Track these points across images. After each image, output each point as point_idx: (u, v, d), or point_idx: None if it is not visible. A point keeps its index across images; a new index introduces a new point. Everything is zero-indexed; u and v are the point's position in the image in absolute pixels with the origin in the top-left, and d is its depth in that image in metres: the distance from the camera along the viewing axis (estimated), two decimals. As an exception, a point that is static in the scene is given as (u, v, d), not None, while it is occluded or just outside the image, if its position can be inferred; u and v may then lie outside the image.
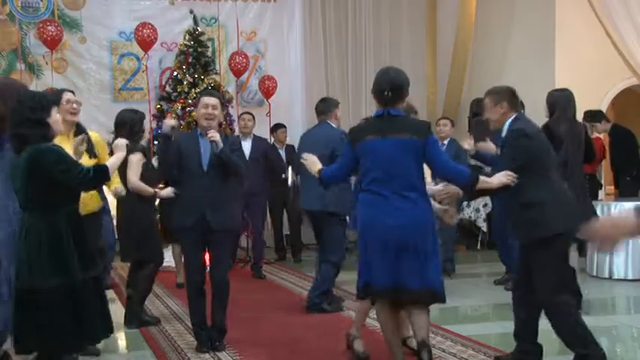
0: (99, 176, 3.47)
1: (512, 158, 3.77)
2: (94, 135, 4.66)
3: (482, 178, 3.66)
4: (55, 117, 3.43)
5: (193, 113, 7.96)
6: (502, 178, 3.68)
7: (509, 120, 3.94)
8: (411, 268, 3.56)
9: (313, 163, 4.03)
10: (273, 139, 8.43)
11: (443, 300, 3.68)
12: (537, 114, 6.62)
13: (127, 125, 4.88)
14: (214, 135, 4.32)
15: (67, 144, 4.20)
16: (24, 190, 3.34)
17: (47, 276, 3.27)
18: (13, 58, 8.62)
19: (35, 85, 8.61)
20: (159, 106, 8.42)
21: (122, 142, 3.98)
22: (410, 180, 3.60)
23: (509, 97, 3.97)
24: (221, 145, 4.35)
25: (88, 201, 4.37)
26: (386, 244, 3.58)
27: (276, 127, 8.52)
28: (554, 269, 3.77)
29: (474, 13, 9.23)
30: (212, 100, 4.45)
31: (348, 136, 3.84)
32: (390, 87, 3.63)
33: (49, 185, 3.31)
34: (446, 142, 7.13)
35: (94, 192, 4.51)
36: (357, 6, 9.84)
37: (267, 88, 9.02)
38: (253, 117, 7.68)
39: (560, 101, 5.53)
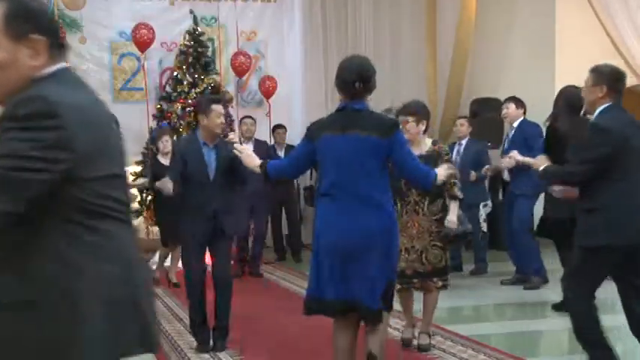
0: None
1: (581, 158, 3.52)
2: None
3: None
4: None
5: (193, 114, 8.04)
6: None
7: (602, 107, 3.53)
8: (363, 280, 3.23)
9: (248, 156, 3.69)
10: (273, 140, 8.43)
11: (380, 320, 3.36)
12: (537, 114, 6.65)
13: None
14: (232, 138, 4.62)
15: None
16: None
17: None
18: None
19: (35, 85, 8.62)
20: (159, 106, 8.41)
21: None
22: (371, 182, 3.27)
23: (611, 80, 3.53)
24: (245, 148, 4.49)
25: None
26: (338, 252, 3.24)
27: (276, 128, 8.51)
28: (589, 277, 3.57)
29: (474, 13, 9.24)
30: (222, 109, 4.61)
31: (306, 131, 3.52)
32: (360, 77, 3.26)
33: None
34: (464, 141, 7.07)
35: None
36: (356, 6, 9.84)
37: (268, 89, 9.02)
38: (255, 121, 7.68)
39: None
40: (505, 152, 6.23)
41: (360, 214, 3.24)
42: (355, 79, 3.27)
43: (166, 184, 4.63)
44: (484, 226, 8.74)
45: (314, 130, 3.43)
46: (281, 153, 8.28)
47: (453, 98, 9.53)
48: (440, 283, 4.42)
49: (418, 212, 4.37)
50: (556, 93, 7.32)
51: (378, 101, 9.41)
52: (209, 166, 4.42)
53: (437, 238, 4.40)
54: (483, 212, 8.66)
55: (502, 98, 8.68)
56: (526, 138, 6.32)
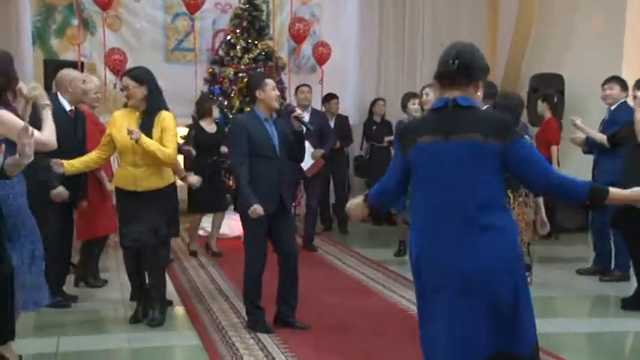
0: None
1: None
2: (164, 115, 4.44)
3: (613, 189, 2.63)
4: None
5: (245, 80, 7.92)
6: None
7: None
8: (490, 326, 2.57)
9: (357, 206, 2.95)
10: (324, 109, 8.28)
11: None
12: (598, 109, 6.33)
13: None
14: (301, 113, 4.46)
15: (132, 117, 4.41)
16: None
17: None
18: (68, 13, 8.58)
19: (89, 42, 8.61)
20: (211, 70, 8.31)
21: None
22: (486, 199, 2.57)
23: None
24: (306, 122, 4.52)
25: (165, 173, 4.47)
26: (457, 290, 2.56)
27: (329, 97, 8.35)
28: None
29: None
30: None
31: (396, 137, 2.89)
32: (457, 57, 2.62)
33: None
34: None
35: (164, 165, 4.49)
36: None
37: (321, 55, 8.83)
38: (311, 89, 7.52)
39: None
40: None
41: (472, 243, 2.55)
42: (449, 57, 2.63)
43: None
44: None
45: (404, 138, 2.75)
46: (331, 123, 8.12)
47: (512, 73, 9.17)
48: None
49: (527, 204, 4.24)
50: (624, 73, 7.01)
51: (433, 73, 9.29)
52: (274, 141, 4.38)
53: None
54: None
55: (564, 75, 8.40)
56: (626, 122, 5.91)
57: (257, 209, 4.18)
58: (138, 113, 4.43)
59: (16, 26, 8.16)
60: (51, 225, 4.56)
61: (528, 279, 4.49)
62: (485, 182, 2.56)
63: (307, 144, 7.01)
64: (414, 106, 6.62)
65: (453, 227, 2.57)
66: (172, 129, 4.47)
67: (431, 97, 5.67)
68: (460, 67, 2.61)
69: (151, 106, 4.41)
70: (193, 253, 6.78)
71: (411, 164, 2.69)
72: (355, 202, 2.96)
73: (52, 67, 7.23)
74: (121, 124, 4.40)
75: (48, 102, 3.82)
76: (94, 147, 4.64)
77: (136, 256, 4.58)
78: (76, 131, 4.91)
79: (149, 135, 4.34)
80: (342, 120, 8.44)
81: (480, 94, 2.72)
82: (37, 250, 3.82)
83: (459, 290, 2.55)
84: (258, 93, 4.41)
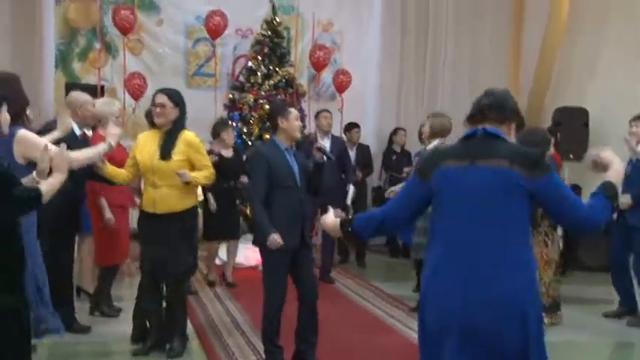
0: (31, 203, 2.84)
1: None
2: (189, 135, 4.42)
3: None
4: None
5: (266, 106, 7.88)
6: None
7: None
8: None
9: (332, 220, 2.83)
10: (345, 138, 8.22)
11: None
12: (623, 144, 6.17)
13: None
14: (322, 145, 4.43)
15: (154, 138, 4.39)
16: None
17: None
18: (91, 36, 8.62)
19: (111, 66, 8.63)
20: (231, 95, 8.28)
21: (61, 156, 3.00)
22: (509, 231, 2.45)
23: None
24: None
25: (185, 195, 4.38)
26: (464, 333, 2.42)
27: (351, 127, 8.27)
28: None
29: (565, 18, 8.71)
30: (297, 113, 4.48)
31: (415, 167, 2.76)
32: (492, 97, 2.62)
33: None
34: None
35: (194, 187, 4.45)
36: (438, 5, 9.41)
37: (341, 83, 8.79)
38: (331, 115, 7.45)
39: None
40: (628, 177, 5.83)
41: (491, 281, 2.41)
42: (482, 98, 2.64)
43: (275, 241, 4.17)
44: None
45: (427, 162, 2.63)
46: (352, 153, 8.05)
47: (534, 105, 9.06)
48: (552, 320, 4.16)
49: (547, 244, 4.12)
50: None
51: (454, 103, 9.22)
52: (295, 172, 4.28)
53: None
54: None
55: (588, 109, 8.27)
56: None
57: (276, 239, 4.07)
58: (161, 133, 4.39)
59: (40, 49, 8.21)
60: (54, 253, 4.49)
61: (553, 319, 4.34)
62: (510, 213, 2.45)
63: (351, 188, 7.03)
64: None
65: (470, 266, 2.43)
66: (203, 148, 4.52)
67: (426, 127, 5.64)
68: (493, 103, 2.60)
69: (177, 127, 4.38)
70: (211, 284, 6.66)
71: (432, 191, 2.57)
72: (331, 223, 2.82)
73: (73, 91, 7.21)
74: (144, 145, 4.41)
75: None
76: None
77: (154, 285, 4.48)
78: None
79: (169, 153, 4.30)
80: (364, 149, 8.36)
81: (512, 137, 2.65)
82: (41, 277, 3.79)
83: (464, 334, 2.43)
84: (280, 121, 4.32)
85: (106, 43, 8.60)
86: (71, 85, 7.99)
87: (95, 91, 7.85)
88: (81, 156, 3.90)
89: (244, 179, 6.51)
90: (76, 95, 5.14)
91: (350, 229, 2.75)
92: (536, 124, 8.38)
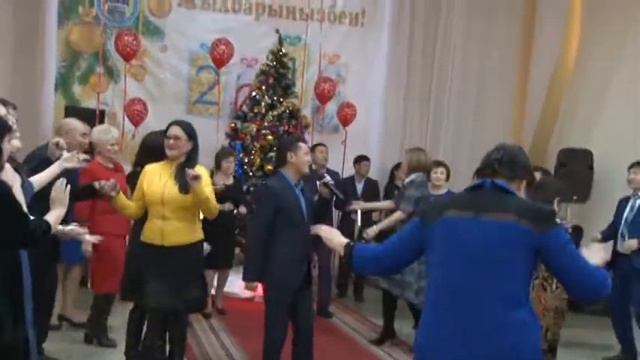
0: (43, 235, 2.85)
1: None
2: (201, 170, 4.23)
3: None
4: (6, 146, 2.93)
5: (268, 137, 7.78)
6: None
7: None
8: None
9: (331, 232, 2.86)
10: (354, 170, 8.08)
11: None
12: (627, 187, 6.08)
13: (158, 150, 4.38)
14: (331, 181, 4.31)
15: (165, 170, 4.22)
16: None
17: None
18: (93, 60, 8.52)
19: (112, 90, 8.53)
20: (233, 124, 8.18)
21: (59, 193, 3.14)
22: (511, 288, 2.36)
23: None
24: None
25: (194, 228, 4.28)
26: None
27: (360, 159, 8.15)
28: None
29: (574, 56, 8.67)
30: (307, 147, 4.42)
31: (417, 209, 2.93)
32: (504, 153, 2.55)
33: None
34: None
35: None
36: (445, 40, 9.34)
37: (346, 116, 8.70)
38: (327, 148, 7.37)
39: None
40: (628, 223, 5.76)
41: (491, 335, 2.33)
42: (497, 152, 2.56)
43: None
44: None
45: (429, 209, 2.59)
46: (359, 186, 7.92)
47: (539, 146, 8.97)
48: None
49: (546, 289, 4.01)
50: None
51: (458, 139, 9.14)
52: (303, 208, 4.19)
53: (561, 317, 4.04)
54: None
55: (593, 151, 8.18)
56: None
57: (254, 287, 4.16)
58: (173, 166, 4.22)
59: (41, 71, 8.11)
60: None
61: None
62: (513, 271, 2.37)
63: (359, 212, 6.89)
64: (435, 174, 6.35)
65: (469, 317, 2.36)
66: (210, 184, 4.32)
67: (403, 163, 5.82)
68: (504, 158, 2.54)
69: (191, 160, 4.21)
70: (206, 315, 6.47)
71: (431, 237, 2.50)
72: (336, 241, 2.76)
73: (72, 114, 7.08)
74: (152, 177, 4.21)
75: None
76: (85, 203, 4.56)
77: (163, 322, 4.31)
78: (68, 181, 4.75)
79: (185, 187, 4.11)
80: (372, 183, 8.21)
81: (522, 193, 2.59)
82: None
83: None
84: (289, 156, 4.23)
85: (108, 67, 8.52)
86: (71, 108, 7.90)
87: (94, 115, 7.76)
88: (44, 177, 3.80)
89: (243, 210, 6.39)
90: (68, 121, 5.06)
91: (350, 252, 2.69)
92: (540, 165, 8.32)
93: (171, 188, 4.13)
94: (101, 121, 7.60)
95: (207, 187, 4.19)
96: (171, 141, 4.18)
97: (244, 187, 7.28)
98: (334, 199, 4.41)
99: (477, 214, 2.42)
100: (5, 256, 2.82)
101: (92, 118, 7.54)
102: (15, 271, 2.87)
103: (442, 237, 2.47)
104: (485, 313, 2.35)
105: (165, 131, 4.24)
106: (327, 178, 4.32)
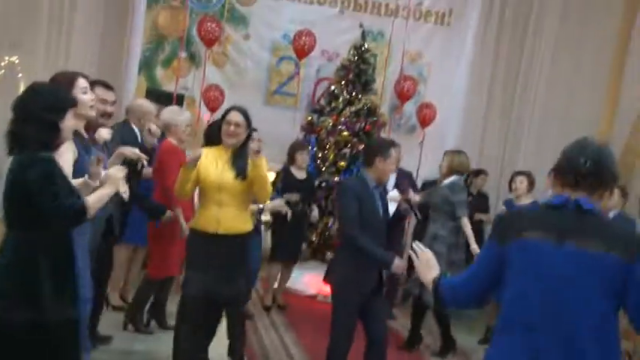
0: (77, 216, 2.79)
1: None
2: (263, 158, 4.10)
3: None
4: (70, 122, 2.85)
5: (344, 133, 7.67)
6: None
7: None
8: None
9: (428, 264, 2.59)
10: (469, 182, 7.66)
11: None
12: None
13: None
14: (414, 198, 4.38)
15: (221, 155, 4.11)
16: (4, 201, 2.81)
17: (12, 306, 2.69)
18: (177, 45, 8.61)
19: (193, 76, 8.60)
20: (309, 118, 8.09)
21: (117, 173, 3.09)
22: (594, 326, 2.12)
23: None
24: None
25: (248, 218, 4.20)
26: None
27: (478, 173, 7.66)
28: None
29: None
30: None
31: (492, 229, 2.44)
32: (592, 157, 2.24)
33: (29, 202, 2.69)
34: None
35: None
36: (534, 46, 8.85)
37: (425, 116, 8.47)
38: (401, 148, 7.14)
39: None
40: None
41: None
42: (585, 157, 2.24)
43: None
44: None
45: (506, 227, 2.31)
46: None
47: (629, 162, 8.49)
48: None
49: None
50: None
51: (539, 150, 8.72)
52: (380, 210, 4.10)
53: None
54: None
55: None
56: None
57: (400, 265, 3.91)
58: (230, 151, 4.11)
59: (127, 52, 8.23)
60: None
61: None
62: (600, 306, 2.12)
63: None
64: (514, 184, 6.16)
65: (547, 352, 2.12)
66: (267, 174, 4.20)
67: (444, 164, 5.76)
68: (591, 169, 2.24)
69: (247, 147, 4.10)
70: (267, 308, 6.43)
71: (506, 260, 2.25)
72: (429, 277, 2.52)
73: (152, 96, 7.18)
74: (211, 161, 4.08)
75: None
76: (173, 180, 4.33)
77: (204, 310, 4.22)
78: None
79: (242, 173, 4.03)
80: (483, 198, 7.77)
81: (610, 202, 2.35)
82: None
83: None
84: (377, 160, 4.10)
85: (191, 52, 8.59)
86: (152, 91, 8.01)
87: (172, 98, 7.83)
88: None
89: (315, 215, 6.43)
90: (140, 102, 5.05)
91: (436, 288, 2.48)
92: (628, 183, 7.88)
93: (228, 174, 4.04)
94: (178, 105, 7.66)
95: (263, 173, 4.07)
96: (232, 128, 4.06)
97: (316, 183, 7.15)
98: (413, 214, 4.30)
99: (560, 239, 2.17)
100: (52, 239, 2.78)
101: (170, 101, 7.61)
102: (64, 253, 2.83)
103: (518, 260, 2.23)
104: (565, 356, 2.12)
105: (224, 117, 4.13)
106: (411, 193, 4.25)
